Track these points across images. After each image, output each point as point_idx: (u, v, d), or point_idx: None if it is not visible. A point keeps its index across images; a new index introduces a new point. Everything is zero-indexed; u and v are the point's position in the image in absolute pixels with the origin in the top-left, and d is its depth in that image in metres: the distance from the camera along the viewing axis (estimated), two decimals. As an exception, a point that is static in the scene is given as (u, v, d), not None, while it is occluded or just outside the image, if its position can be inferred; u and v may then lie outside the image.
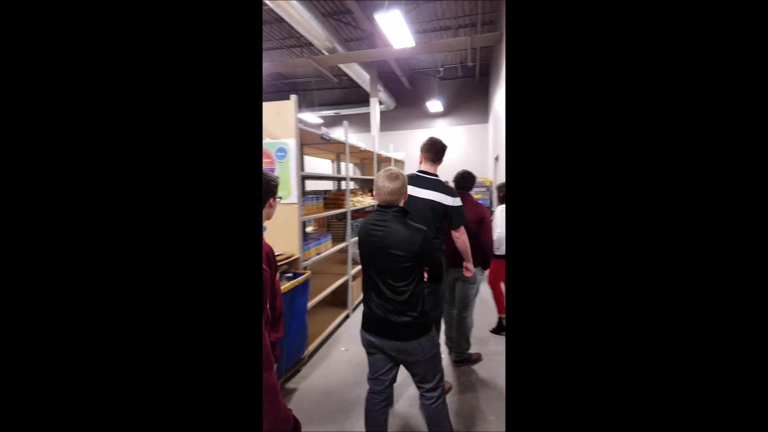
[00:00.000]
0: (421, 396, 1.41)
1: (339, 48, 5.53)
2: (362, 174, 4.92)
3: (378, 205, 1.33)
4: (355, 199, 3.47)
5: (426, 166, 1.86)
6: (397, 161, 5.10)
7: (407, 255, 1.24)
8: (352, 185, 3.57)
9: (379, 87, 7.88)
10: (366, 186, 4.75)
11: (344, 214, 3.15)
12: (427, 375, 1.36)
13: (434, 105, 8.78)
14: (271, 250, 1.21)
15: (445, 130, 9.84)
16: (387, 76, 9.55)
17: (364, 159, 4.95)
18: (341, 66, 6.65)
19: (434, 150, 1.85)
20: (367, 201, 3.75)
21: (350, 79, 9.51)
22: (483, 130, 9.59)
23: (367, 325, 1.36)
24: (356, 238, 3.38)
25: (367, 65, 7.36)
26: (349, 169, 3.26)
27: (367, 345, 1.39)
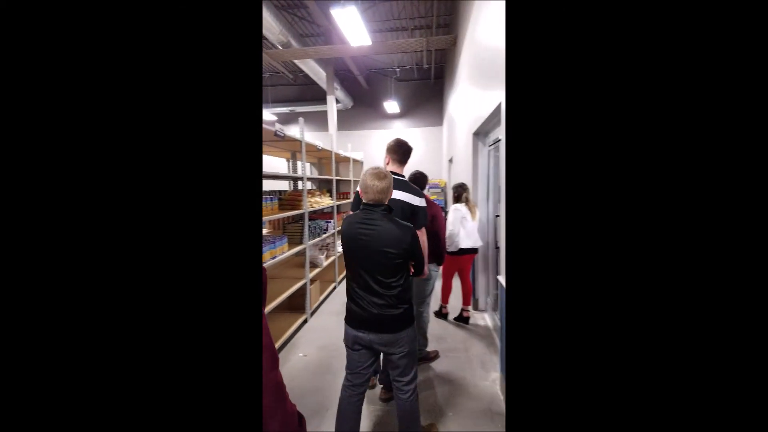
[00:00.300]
0: (398, 390, 1.44)
1: (294, 43, 5.36)
2: (320, 174, 4.82)
3: (364, 204, 1.35)
4: (312, 199, 3.38)
5: (393, 167, 1.90)
6: (356, 161, 5.06)
7: (399, 252, 1.29)
8: (309, 185, 3.47)
9: (336, 85, 7.78)
10: (324, 186, 4.65)
11: (301, 216, 3.05)
12: (407, 368, 1.41)
13: (391, 106, 8.86)
14: None
15: (401, 131, 9.96)
16: (344, 74, 9.44)
17: (321, 158, 4.84)
18: (296, 62, 6.45)
19: (401, 151, 1.90)
20: (325, 202, 3.68)
21: (306, 76, 9.27)
22: (438, 133, 9.85)
23: (355, 322, 1.37)
24: (315, 240, 3.30)
25: (323, 62, 7.22)
26: (305, 168, 3.16)
27: (353, 341, 1.40)
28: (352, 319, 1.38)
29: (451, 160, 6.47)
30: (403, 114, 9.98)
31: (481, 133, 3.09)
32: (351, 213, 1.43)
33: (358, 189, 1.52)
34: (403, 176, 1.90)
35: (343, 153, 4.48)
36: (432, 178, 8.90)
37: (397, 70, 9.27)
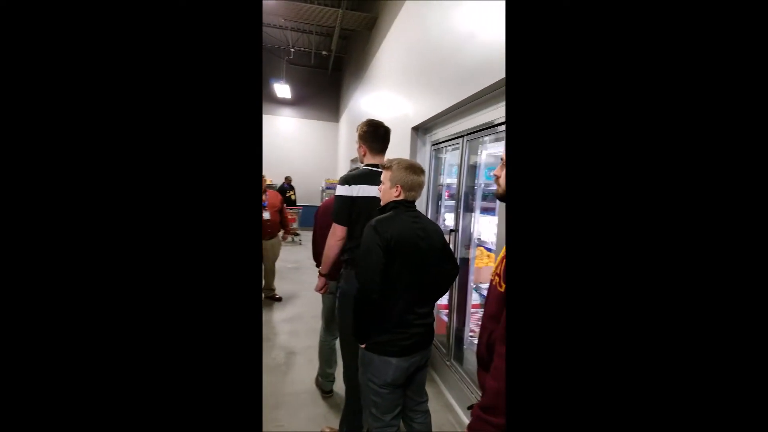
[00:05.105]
0: (421, 414, 1.29)
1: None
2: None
3: (405, 202, 1.17)
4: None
5: (373, 159, 1.48)
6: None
7: (440, 248, 1.22)
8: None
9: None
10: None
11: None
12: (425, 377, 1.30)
13: (282, 89, 7.72)
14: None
15: (293, 120, 8.90)
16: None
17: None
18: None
19: (379, 136, 1.48)
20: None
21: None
22: (333, 129, 9.20)
23: (410, 348, 1.16)
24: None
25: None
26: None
27: (402, 374, 1.16)
28: (405, 348, 1.14)
29: (354, 160, 5.90)
30: (295, 102, 8.92)
31: (421, 129, 2.61)
32: (379, 218, 1.13)
33: (342, 194, 1.37)
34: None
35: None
36: (328, 177, 8.18)
37: (291, 50, 8.20)
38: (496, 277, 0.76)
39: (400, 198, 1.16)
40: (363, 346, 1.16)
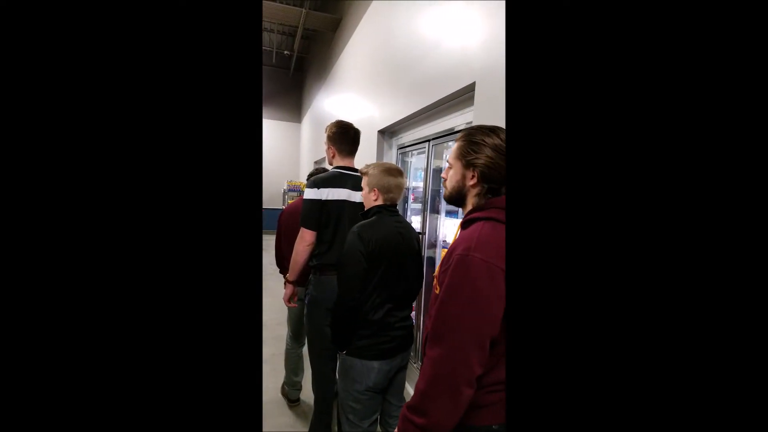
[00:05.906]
0: (394, 419, 1.26)
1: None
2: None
3: (387, 206, 1.18)
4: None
5: (342, 161, 1.44)
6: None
7: (417, 250, 1.23)
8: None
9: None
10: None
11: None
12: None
13: (242, 87, 7.42)
14: None
15: (251, 120, 8.56)
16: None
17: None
18: None
19: (350, 138, 1.44)
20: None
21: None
22: (295, 130, 8.99)
23: (392, 351, 1.15)
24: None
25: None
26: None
27: (384, 377, 1.16)
28: (386, 351, 1.13)
29: (318, 161, 5.80)
30: (255, 101, 8.60)
31: (387, 132, 2.63)
32: (362, 224, 1.12)
33: (311, 197, 1.34)
34: (357, 170, 1.36)
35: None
36: (290, 179, 7.96)
37: (252, 48, 7.90)
38: (435, 279, 0.78)
39: (379, 202, 1.16)
40: (344, 352, 1.14)
